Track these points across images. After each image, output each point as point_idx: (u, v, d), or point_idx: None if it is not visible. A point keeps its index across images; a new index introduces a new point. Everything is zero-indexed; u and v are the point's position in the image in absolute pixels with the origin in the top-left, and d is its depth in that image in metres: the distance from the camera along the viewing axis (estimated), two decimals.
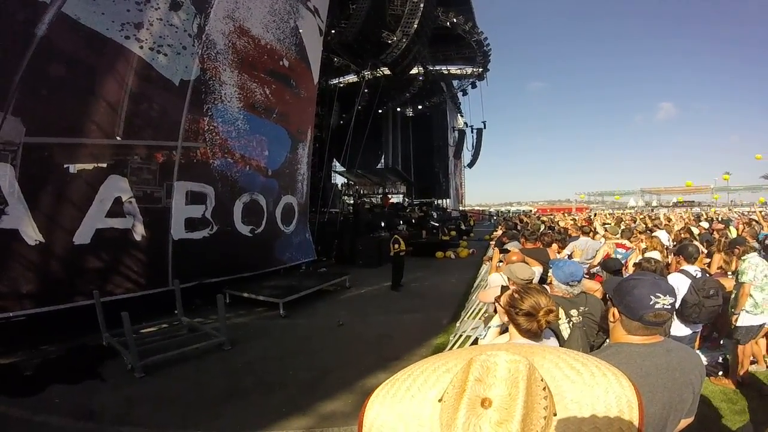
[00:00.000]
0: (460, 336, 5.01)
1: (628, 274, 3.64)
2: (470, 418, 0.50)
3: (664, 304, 1.34)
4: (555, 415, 0.55)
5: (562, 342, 2.30)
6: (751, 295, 4.17)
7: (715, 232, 8.05)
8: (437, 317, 6.77)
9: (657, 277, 1.44)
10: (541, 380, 0.54)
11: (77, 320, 5.74)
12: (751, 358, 4.52)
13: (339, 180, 25.48)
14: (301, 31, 10.04)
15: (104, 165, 6.24)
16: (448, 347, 4.67)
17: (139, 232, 6.63)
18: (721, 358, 4.82)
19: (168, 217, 7.07)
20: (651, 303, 1.34)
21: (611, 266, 4.12)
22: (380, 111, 24.19)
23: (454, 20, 18.15)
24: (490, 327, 2.47)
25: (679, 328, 3.58)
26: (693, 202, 55.38)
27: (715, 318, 3.90)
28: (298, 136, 10.68)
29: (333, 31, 13.91)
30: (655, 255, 5.15)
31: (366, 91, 18.65)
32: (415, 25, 15.41)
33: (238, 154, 8.45)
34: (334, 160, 21.92)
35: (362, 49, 15.44)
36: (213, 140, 7.77)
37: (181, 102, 7.13)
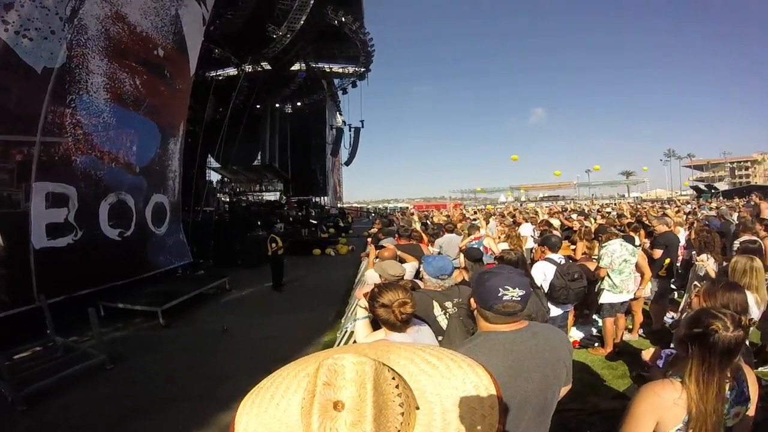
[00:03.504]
0: (347, 332, 5.43)
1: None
2: (324, 421, 0.50)
3: (512, 296, 1.41)
4: (418, 408, 0.57)
5: (442, 333, 2.42)
6: (609, 277, 4.65)
7: (575, 223, 8.86)
8: (322, 315, 6.79)
9: (511, 271, 1.52)
10: (393, 378, 0.55)
11: None
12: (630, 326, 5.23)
13: (214, 177, 24.08)
14: (182, 19, 9.42)
15: None
16: (336, 344, 4.71)
17: None
18: (595, 331, 5.30)
19: (27, 223, 6.12)
20: (500, 295, 1.41)
21: (472, 255, 4.22)
22: (258, 106, 23.44)
23: (343, 19, 18.11)
24: (356, 320, 2.52)
25: (551, 309, 3.75)
26: (558, 196, 63.91)
27: (583, 297, 4.31)
28: (170, 130, 9.98)
29: (218, 21, 13.13)
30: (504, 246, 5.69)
31: (245, 85, 17.97)
32: (302, 22, 15.30)
33: (104, 150, 7.60)
34: (209, 155, 20.60)
35: (245, 41, 14.85)
36: (76, 135, 6.86)
37: (42, 92, 6.19)
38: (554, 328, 1.71)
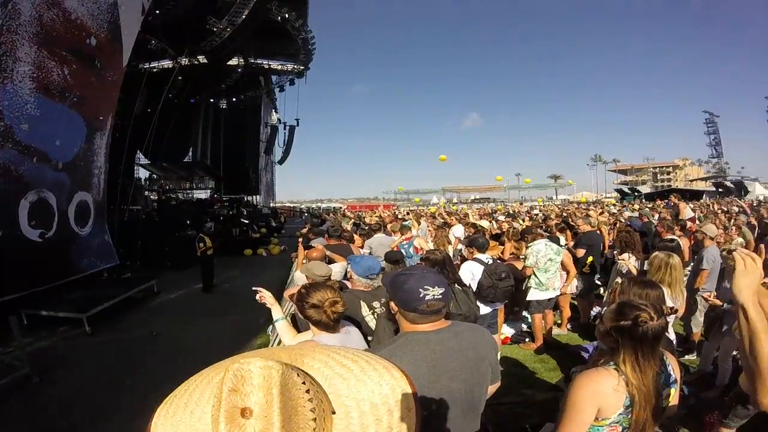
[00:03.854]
0: (278, 335, 5.50)
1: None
2: (232, 429, 0.48)
3: (434, 295, 1.42)
4: (334, 413, 0.55)
5: (371, 333, 2.40)
6: (536, 276, 4.80)
7: (504, 224, 9.00)
8: (254, 317, 6.46)
9: (425, 271, 1.56)
10: (303, 383, 0.53)
11: None
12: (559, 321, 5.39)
13: (142, 174, 22.45)
14: (120, 8, 8.93)
15: None
16: (270, 346, 4.41)
17: None
18: (525, 327, 5.46)
19: None
20: (422, 295, 1.41)
21: (390, 257, 4.22)
22: (192, 101, 22.37)
23: (287, 16, 17.71)
24: (276, 322, 2.50)
25: (481, 308, 3.74)
26: (488, 198, 66.37)
27: (512, 295, 4.37)
28: (96, 123, 9.36)
29: (158, 11, 12.44)
30: (430, 245, 5.87)
31: (180, 78, 17.12)
32: (244, 16, 14.94)
33: (25, 144, 7.02)
34: (137, 151, 19.25)
35: (184, 33, 14.20)
36: None
37: None
38: (478, 326, 1.72)
